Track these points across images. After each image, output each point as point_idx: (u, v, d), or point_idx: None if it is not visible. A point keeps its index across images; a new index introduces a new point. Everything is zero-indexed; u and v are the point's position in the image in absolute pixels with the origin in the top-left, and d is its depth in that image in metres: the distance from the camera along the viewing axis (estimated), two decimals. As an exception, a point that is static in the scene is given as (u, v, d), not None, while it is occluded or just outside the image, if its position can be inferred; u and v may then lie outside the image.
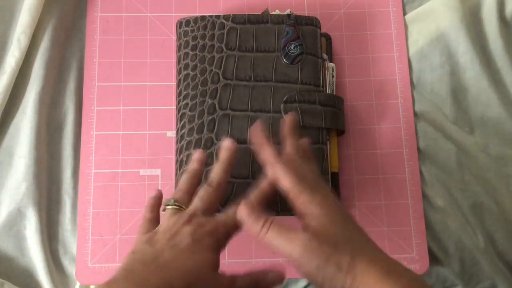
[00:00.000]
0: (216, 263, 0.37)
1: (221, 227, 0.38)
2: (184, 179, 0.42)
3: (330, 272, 0.32)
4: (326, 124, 0.48)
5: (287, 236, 0.35)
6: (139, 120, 0.54)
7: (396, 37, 0.58)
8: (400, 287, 0.31)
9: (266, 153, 0.39)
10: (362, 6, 0.59)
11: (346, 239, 0.34)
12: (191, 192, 0.41)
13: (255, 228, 0.36)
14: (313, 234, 0.34)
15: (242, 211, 0.37)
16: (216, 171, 0.41)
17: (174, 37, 0.57)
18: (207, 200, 0.39)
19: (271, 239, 0.35)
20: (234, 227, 0.38)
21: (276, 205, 0.47)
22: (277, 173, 0.37)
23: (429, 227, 0.53)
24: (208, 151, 0.48)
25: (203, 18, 0.51)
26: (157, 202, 0.43)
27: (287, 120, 0.43)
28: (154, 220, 0.41)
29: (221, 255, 0.51)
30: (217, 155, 0.47)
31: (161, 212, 0.42)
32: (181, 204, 0.39)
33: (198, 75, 0.50)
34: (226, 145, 0.42)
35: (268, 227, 0.35)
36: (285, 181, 0.37)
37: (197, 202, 0.39)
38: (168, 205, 0.39)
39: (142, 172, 0.53)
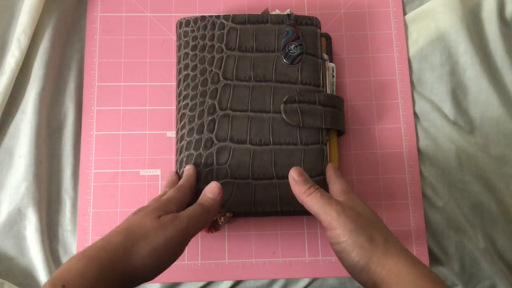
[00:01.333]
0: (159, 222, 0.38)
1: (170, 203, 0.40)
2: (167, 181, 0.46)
3: (362, 240, 0.36)
4: (326, 124, 0.48)
5: (327, 200, 0.39)
6: (139, 120, 0.54)
7: (396, 37, 0.58)
8: (424, 278, 0.34)
9: None
10: (362, 6, 0.59)
11: (380, 225, 0.38)
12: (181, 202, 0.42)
13: (302, 187, 0.40)
14: (351, 208, 0.38)
15: (295, 171, 0.42)
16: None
17: (174, 37, 0.57)
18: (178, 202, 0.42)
19: (312, 201, 0.39)
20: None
21: (276, 205, 0.47)
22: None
23: (429, 227, 0.53)
24: (208, 152, 0.48)
25: (203, 18, 0.51)
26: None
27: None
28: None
29: (221, 256, 0.51)
30: (216, 155, 0.47)
31: None
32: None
33: (198, 75, 0.50)
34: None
35: (312, 190, 0.40)
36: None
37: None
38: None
39: (142, 172, 0.53)
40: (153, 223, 0.36)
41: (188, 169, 0.46)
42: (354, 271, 0.37)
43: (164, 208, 0.39)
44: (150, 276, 0.36)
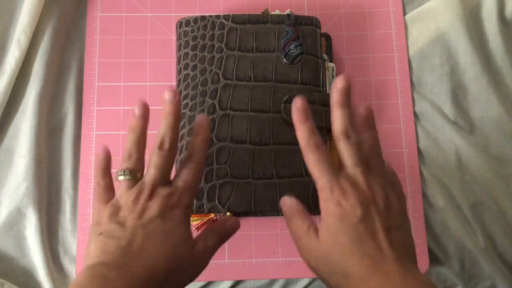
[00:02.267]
0: (190, 235, 0.36)
1: (184, 194, 0.36)
2: (131, 142, 0.37)
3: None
4: (326, 124, 0.48)
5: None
6: (139, 120, 0.54)
7: (396, 37, 0.58)
8: None
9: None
10: (362, 6, 0.59)
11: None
12: (142, 156, 0.37)
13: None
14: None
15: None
16: (162, 131, 0.37)
17: (174, 37, 0.57)
18: (162, 166, 0.36)
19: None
20: (195, 190, 0.38)
21: (276, 205, 0.47)
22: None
23: (429, 227, 0.53)
24: (208, 151, 0.48)
25: (203, 18, 0.51)
26: (108, 164, 0.39)
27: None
28: (109, 187, 0.38)
29: (221, 256, 0.51)
30: (216, 155, 0.47)
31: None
32: (135, 174, 0.36)
33: (198, 75, 0.50)
34: (166, 97, 0.37)
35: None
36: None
37: (152, 171, 0.36)
38: (121, 175, 0.36)
39: (142, 172, 0.53)
40: (191, 258, 0.36)
41: (201, 125, 0.39)
42: None
43: (190, 216, 0.37)
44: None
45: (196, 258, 0.36)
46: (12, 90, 0.52)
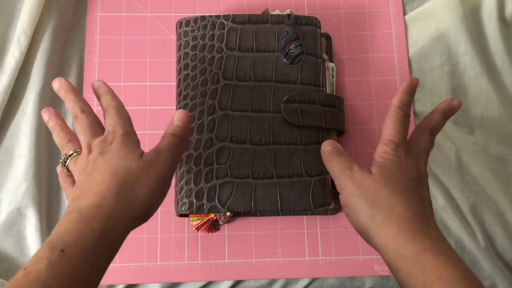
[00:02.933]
0: (133, 151, 0.36)
1: (115, 130, 0.37)
2: (57, 133, 0.41)
3: (361, 204, 0.36)
4: (326, 124, 0.48)
5: (342, 165, 0.39)
6: (139, 120, 0.54)
7: (396, 37, 0.58)
8: (427, 253, 0.33)
9: None
10: (362, 6, 0.59)
11: (400, 190, 0.36)
12: (71, 138, 0.40)
13: (327, 156, 0.41)
14: (364, 171, 0.38)
15: (326, 143, 0.42)
16: (70, 105, 0.40)
17: (174, 37, 0.57)
18: (86, 128, 0.38)
19: (331, 166, 0.40)
20: (126, 115, 0.39)
21: (276, 205, 0.47)
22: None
23: (429, 227, 0.53)
24: (208, 151, 0.48)
25: (203, 18, 0.51)
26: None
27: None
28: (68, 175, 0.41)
29: (221, 256, 0.51)
30: (216, 155, 0.47)
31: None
32: (76, 150, 0.39)
33: (198, 75, 0.50)
34: (55, 85, 0.41)
35: (335, 157, 0.40)
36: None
37: (82, 138, 0.38)
38: (67, 158, 0.39)
39: (142, 172, 0.53)
40: (139, 164, 0.35)
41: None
42: (360, 234, 0.37)
43: (134, 140, 0.38)
44: (148, 217, 0.36)
45: (148, 165, 0.36)
46: (12, 90, 0.52)
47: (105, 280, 0.50)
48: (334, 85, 0.53)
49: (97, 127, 0.39)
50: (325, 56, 0.52)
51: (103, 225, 0.32)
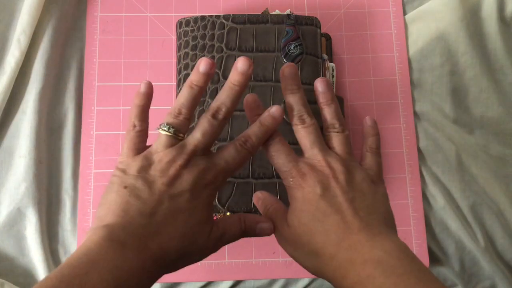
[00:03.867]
0: (210, 219, 0.34)
1: (220, 174, 0.34)
2: (184, 98, 0.34)
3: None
4: (326, 124, 0.48)
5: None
6: (139, 120, 0.54)
7: (396, 37, 0.58)
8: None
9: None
10: (362, 6, 0.59)
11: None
12: (191, 116, 0.35)
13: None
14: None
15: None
16: (221, 99, 0.34)
17: (174, 37, 0.57)
18: (210, 135, 0.34)
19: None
20: (231, 174, 0.35)
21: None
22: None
23: (429, 227, 0.53)
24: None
25: (203, 18, 0.51)
26: (148, 104, 0.36)
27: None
28: (144, 133, 0.35)
29: (221, 256, 0.51)
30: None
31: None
32: (178, 133, 0.34)
33: (198, 75, 0.50)
34: (239, 66, 0.34)
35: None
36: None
37: (197, 136, 0.34)
38: (164, 129, 0.34)
39: (142, 172, 0.53)
40: (204, 241, 0.34)
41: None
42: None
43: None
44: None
45: (208, 244, 0.34)
46: (12, 90, 0.52)
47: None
48: (334, 85, 0.53)
49: (211, 142, 0.35)
50: (325, 56, 0.52)
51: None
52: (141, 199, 0.32)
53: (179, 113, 0.34)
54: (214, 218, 0.50)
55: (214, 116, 0.34)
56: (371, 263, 0.30)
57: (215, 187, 0.34)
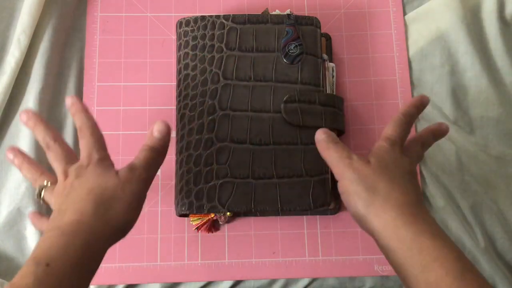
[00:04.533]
0: (107, 170, 0.37)
1: (90, 155, 0.38)
2: (27, 169, 0.41)
3: (360, 190, 0.37)
4: (326, 124, 0.48)
5: (340, 153, 0.40)
6: (139, 120, 0.54)
7: (396, 37, 0.58)
8: (425, 234, 0.34)
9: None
10: (362, 6, 0.59)
11: (395, 177, 0.38)
12: (42, 172, 0.41)
13: (324, 144, 0.41)
14: (362, 159, 0.39)
15: (321, 131, 0.42)
16: (41, 137, 0.40)
17: (174, 37, 0.57)
18: (59, 157, 0.39)
19: (328, 154, 0.41)
20: (103, 146, 0.39)
21: (276, 205, 0.47)
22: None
23: (429, 227, 0.53)
24: (208, 152, 0.48)
25: (203, 18, 0.51)
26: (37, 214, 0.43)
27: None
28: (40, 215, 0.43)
29: (221, 256, 0.51)
30: (216, 155, 0.47)
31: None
32: (50, 182, 0.40)
33: (198, 75, 0.50)
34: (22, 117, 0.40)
35: (331, 145, 0.41)
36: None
37: (56, 165, 0.39)
38: (42, 189, 0.40)
39: (142, 172, 0.53)
40: (114, 181, 0.36)
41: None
42: (356, 220, 0.38)
43: (108, 163, 0.38)
44: (128, 230, 0.37)
45: (123, 181, 0.36)
46: (12, 90, 0.52)
47: (105, 280, 0.50)
48: (334, 85, 0.53)
49: (70, 154, 0.39)
50: (325, 56, 0.52)
51: (84, 239, 0.33)
52: (55, 210, 0.37)
53: (35, 180, 0.41)
54: (215, 218, 0.50)
55: (48, 148, 0.39)
56: (438, 236, 0.35)
57: (96, 160, 0.37)
